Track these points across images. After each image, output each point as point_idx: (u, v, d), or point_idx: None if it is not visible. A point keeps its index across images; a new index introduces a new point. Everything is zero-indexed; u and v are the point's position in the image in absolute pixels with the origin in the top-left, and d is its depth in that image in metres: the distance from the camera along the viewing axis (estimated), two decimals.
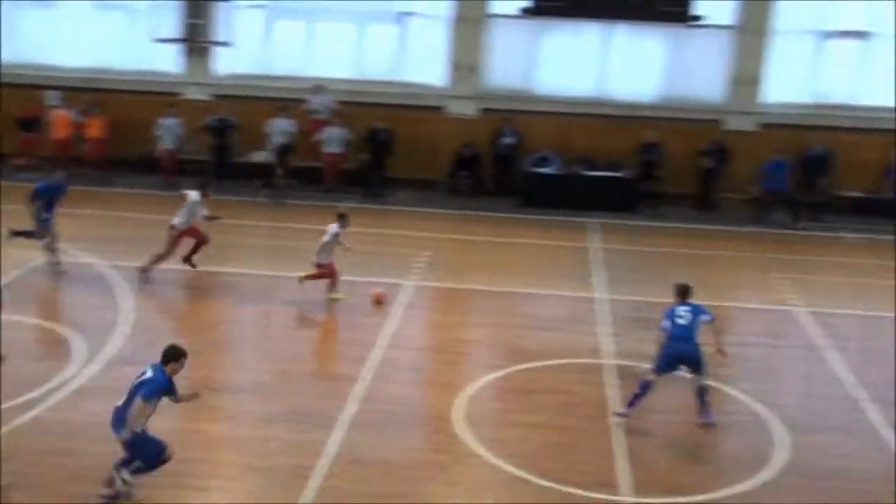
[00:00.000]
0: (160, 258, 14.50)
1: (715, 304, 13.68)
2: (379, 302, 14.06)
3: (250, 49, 21.98)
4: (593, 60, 21.58)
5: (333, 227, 14.07)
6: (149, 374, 8.47)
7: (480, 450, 9.95)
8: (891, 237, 19.15)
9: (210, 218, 14.60)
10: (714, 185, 20.86)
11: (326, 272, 14.13)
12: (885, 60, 20.77)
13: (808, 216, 20.04)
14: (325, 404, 10.84)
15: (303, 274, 14.16)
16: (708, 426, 10.52)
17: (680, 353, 10.42)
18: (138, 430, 8.29)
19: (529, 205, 20.21)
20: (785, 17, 20.85)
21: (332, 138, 20.72)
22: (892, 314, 14.59)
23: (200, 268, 14.89)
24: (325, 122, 21.01)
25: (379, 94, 21.56)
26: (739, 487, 9.51)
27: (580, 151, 21.09)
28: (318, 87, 21.34)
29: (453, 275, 15.23)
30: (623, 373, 12.09)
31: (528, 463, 9.75)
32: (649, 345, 12.97)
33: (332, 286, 14.21)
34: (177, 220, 14.47)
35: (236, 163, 21.20)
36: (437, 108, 21.71)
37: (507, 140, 21.07)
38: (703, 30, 20.83)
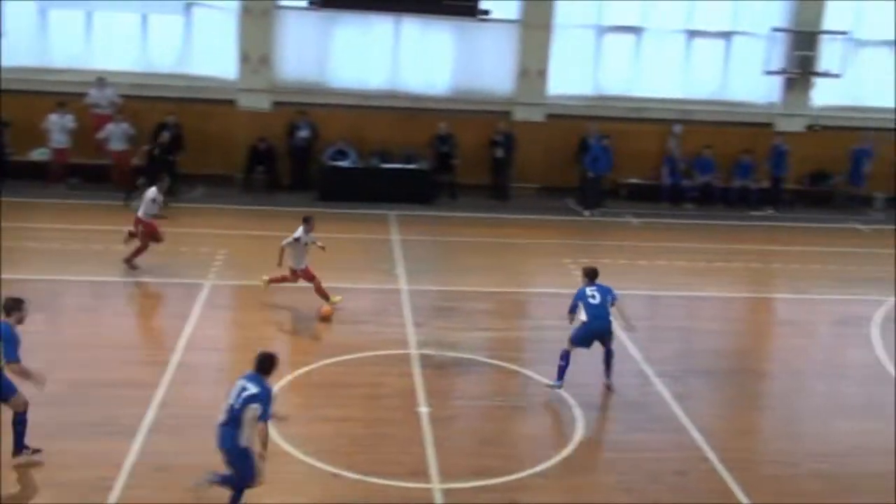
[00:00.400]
0: (139, 252, 15.09)
1: (512, 290, 14.24)
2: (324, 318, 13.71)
3: (23, 40, 20.57)
4: (385, 53, 21.69)
5: (298, 231, 13.73)
6: (252, 388, 8.17)
7: (289, 447, 9.83)
8: (670, 220, 20.51)
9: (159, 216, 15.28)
10: (505, 175, 21.51)
11: (299, 277, 13.84)
12: (656, 54, 22.13)
13: (594, 203, 21.05)
14: (123, 412, 10.37)
15: (266, 277, 14.05)
16: (610, 387, 11.69)
17: (596, 329, 11.52)
18: (247, 444, 8.17)
19: (327, 199, 20.07)
20: (566, 13, 21.73)
21: (116, 134, 19.75)
22: (673, 293, 15.64)
23: None
24: (108, 118, 20.00)
25: (166, 88, 20.74)
26: (541, 466, 9.88)
27: (376, 144, 21.18)
28: (100, 80, 20.28)
29: (252, 272, 14.92)
30: (427, 362, 12.28)
31: (339, 458, 9.73)
32: (450, 333, 13.33)
33: (322, 294, 13.85)
34: (140, 211, 15.14)
35: (13, 161, 19.86)
36: (228, 102, 21.15)
37: (303, 133, 20.83)
38: (491, 24, 21.38)
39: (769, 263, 17.50)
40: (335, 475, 9.45)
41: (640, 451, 10.41)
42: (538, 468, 9.85)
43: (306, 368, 11.89)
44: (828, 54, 22.00)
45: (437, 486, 9.41)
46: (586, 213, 20.76)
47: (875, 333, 14.22)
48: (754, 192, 21.96)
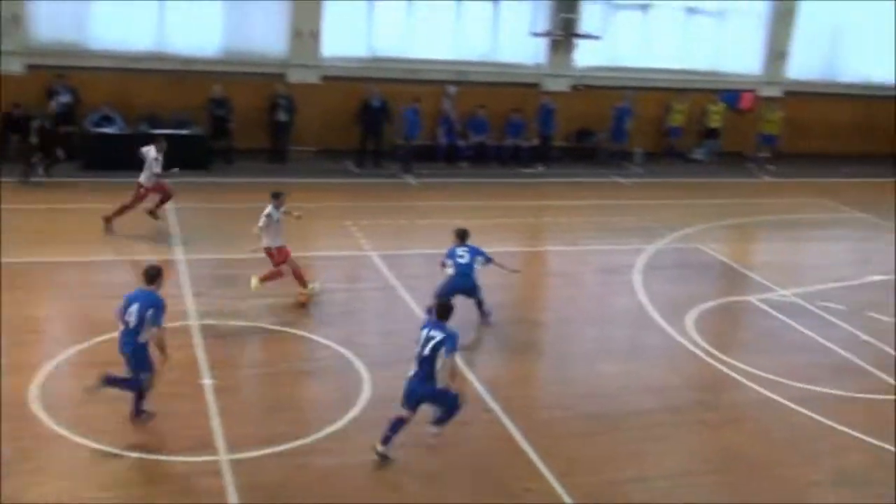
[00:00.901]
0: (125, 209, 15.57)
1: (295, 254, 14.08)
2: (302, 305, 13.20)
3: None
4: (150, 13, 20.70)
5: (268, 209, 13.14)
6: (439, 334, 9.22)
7: (63, 431, 9.38)
8: (447, 180, 21.00)
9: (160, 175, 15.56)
10: (285, 139, 21.23)
11: (279, 260, 13.19)
12: (429, 16, 22.39)
13: (373, 164, 21.18)
14: None
15: (257, 276, 13.20)
16: (487, 320, 12.82)
17: (459, 286, 12.44)
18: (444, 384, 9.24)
19: (93, 167, 19.05)
20: None
21: None
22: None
23: None
24: None
25: None
26: (330, 429, 9.95)
27: (144, 109, 20.28)
28: None
29: (13, 248, 13.99)
30: (209, 332, 12.02)
31: (119, 438, 9.39)
32: (233, 301, 13.09)
33: (302, 282, 13.27)
34: (143, 177, 15.60)
35: None
36: None
37: (63, 99, 19.60)
38: None
39: (541, 218, 18.30)
40: (116, 455, 9.11)
41: (426, 407, 10.67)
42: (327, 430, 9.92)
43: (78, 347, 11.34)
44: (588, 17, 23.10)
45: (224, 457, 9.28)
46: (407, 177, 20.95)
47: (637, 280, 15.24)
48: (525, 150, 22.84)
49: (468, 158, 22.42)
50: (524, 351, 12.70)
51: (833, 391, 11.77)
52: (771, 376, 11.92)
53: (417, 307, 13.25)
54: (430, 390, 9.36)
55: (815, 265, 17.21)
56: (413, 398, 9.44)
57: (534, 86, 23.35)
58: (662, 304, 14.23)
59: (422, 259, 15.30)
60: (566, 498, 9.06)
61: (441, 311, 9.60)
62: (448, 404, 9.51)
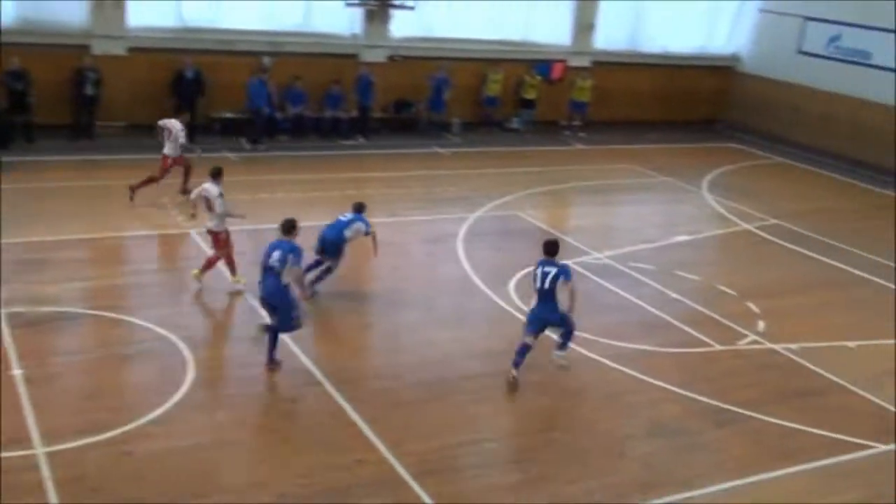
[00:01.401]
0: (151, 181, 16.18)
1: (107, 235, 13.50)
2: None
3: None
4: None
5: (213, 189, 12.66)
6: (552, 268, 10.72)
7: None
8: (267, 153, 20.62)
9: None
10: (91, 114, 20.20)
11: (223, 244, 12.80)
12: None
13: (189, 138, 20.49)
14: None
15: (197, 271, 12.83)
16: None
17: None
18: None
19: None
20: None
21: None
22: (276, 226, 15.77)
23: None
24: None
25: None
26: (153, 413, 9.65)
27: None
28: None
29: None
30: (17, 321, 11.37)
31: None
32: (43, 287, 12.43)
33: (233, 270, 12.94)
34: (167, 149, 16.22)
35: None
36: None
37: None
38: None
39: (363, 189, 18.25)
40: None
41: (253, 385, 10.56)
42: (151, 416, 9.62)
43: None
44: None
45: (40, 450, 8.84)
46: (248, 146, 20.79)
47: (461, 249, 15.52)
48: (344, 122, 22.71)
49: (287, 131, 22.06)
50: (352, 323, 12.71)
51: (646, 347, 12.43)
52: (588, 336, 12.42)
53: (242, 285, 12.97)
54: (555, 317, 10.89)
55: (626, 228, 18.04)
56: (538, 325, 10.91)
57: (351, 56, 23.20)
58: (486, 271, 14.56)
59: (243, 235, 14.96)
60: (399, 467, 9.17)
61: (550, 247, 11.03)
62: (569, 327, 11.01)
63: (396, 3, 23.05)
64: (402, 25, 23.53)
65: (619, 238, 17.08)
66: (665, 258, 16.11)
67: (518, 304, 13.34)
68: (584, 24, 25.97)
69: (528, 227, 17.08)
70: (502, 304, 13.44)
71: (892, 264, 16.68)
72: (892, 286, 15.67)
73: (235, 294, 12.81)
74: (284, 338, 11.13)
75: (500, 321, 12.95)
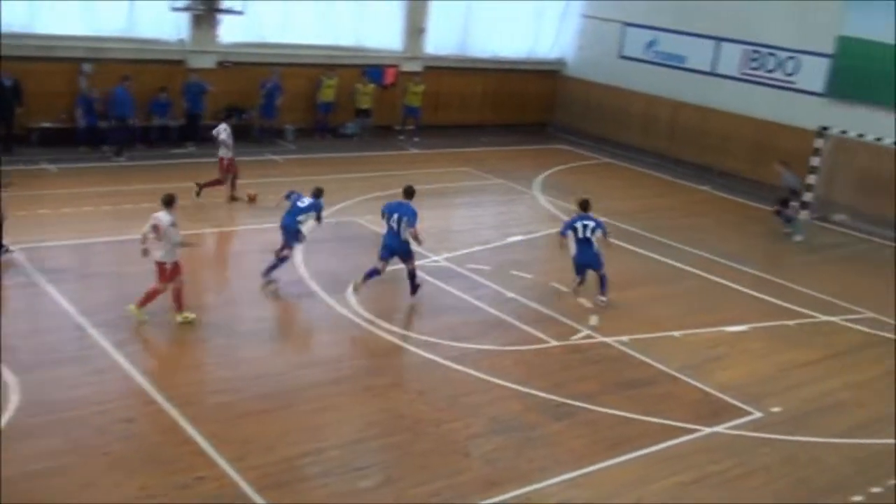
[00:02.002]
0: (217, 183, 17.96)
1: None
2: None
3: None
4: None
5: (165, 217, 11.91)
6: (591, 221, 14.30)
7: None
8: (91, 164, 19.81)
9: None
10: None
11: (170, 276, 12.12)
12: None
13: (4, 149, 19.46)
14: None
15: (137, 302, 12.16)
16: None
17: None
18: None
19: None
20: None
21: None
22: (103, 239, 15.22)
23: None
24: None
25: None
26: None
27: None
28: None
29: None
30: None
31: None
32: None
33: (180, 305, 12.29)
34: (223, 151, 17.84)
35: None
36: None
37: None
38: None
39: (196, 198, 17.82)
40: None
41: (85, 407, 10.13)
42: None
43: None
44: None
45: None
46: (45, 163, 19.57)
47: (298, 256, 15.35)
48: (174, 130, 22.10)
49: (111, 141, 21.23)
50: (188, 338, 12.38)
51: (485, 346, 12.71)
52: (429, 338, 12.61)
53: (66, 302, 12.43)
54: (595, 260, 14.33)
55: (463, 230, 18.36)
56: (584, 267, 14.47)
57: (179, 63, 22.61)
58: (324, 277, 14.51)
59: (66, 251, 14.38)
60: (241, 481, 9.02)
61: (583, 205, 14.49)
62: (603, 268, 14.39)
63: (224, 7, 22.63)
64: (231, 31, 23.12)
65: (455, 240, 17.38)
66: (501, 258, 16.50)
67: (358, 311, 13.37)
68: (415, 29, 26.25)
69: (366, 233, 17.12)
70: (342, 310, 13.42)
71: (712, 257, 17.68)
72: (713, 277, 16.61)
73: (57, 311, 12.22)
74: (117, 358, 10.76)
75: (340, 328, 12.94)
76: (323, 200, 14.30)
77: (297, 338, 12.56)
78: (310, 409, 10.63)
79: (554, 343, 13.05)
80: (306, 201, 13.99)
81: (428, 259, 15.89)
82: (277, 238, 14.34)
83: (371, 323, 13.07)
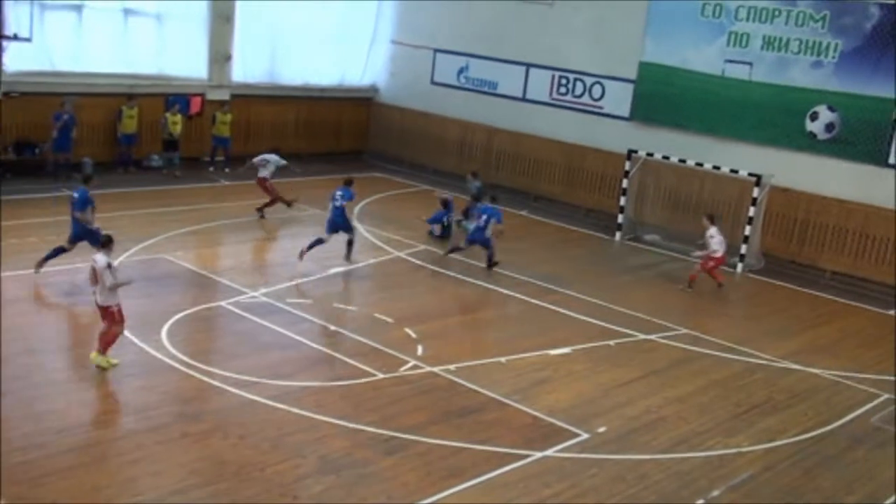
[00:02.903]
0: (272, 203, 21.30)
1: None
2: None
3: None
4: None
5: (101, 259, 11.93)
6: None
7: None
8: None
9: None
10: None
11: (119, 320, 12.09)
12: None
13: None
14: None
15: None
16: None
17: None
18: None
19: None
20: None
21: None
22: None
23: None
24: None
25: None
26: None
27: None
28: None
29: None
30: None
31: None
32: None
33: (107, 344, 12.09)
34: (266, 173, 21.31)
35: None
36: None
37: None
38: None
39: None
40: None
41: None
42: None
43: None
44: (15, 17, 21.56)
45: None
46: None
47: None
48: None
49: None
50: None
51: (308, 383, 12.58)
52: (250, 378, 12.36)
53: None
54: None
55: (280, 263, 18.16)
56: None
57: None
58: (134, 319, 13.90)
59: None
60: None
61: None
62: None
63: (9, 34, 21.49)
64: (17, 59, 21.98)
65: (273, 274, 17.16)
66: (322, 291, 16.42)
67: (173, 353, 12.95)
68: (221, 57, 25.84)
69: (177, 270, 16.64)
70: (155, 353, 12.96)
71: (532, 280, 18.24)
72: (534, 301, 17.12)
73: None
74: None
75: (153, 372, 12.47)
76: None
77: (105, 385, 11.99)
78: (123, 462, 10.17)
79: (381, 376, 13.07)
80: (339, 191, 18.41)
81: (245, 295, 15.59)
82: (79, 280, 13.68)
83: (186, 365, 12.67)
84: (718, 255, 18.73)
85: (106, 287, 12.09)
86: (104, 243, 12.36)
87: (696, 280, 18.96)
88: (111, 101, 23.53)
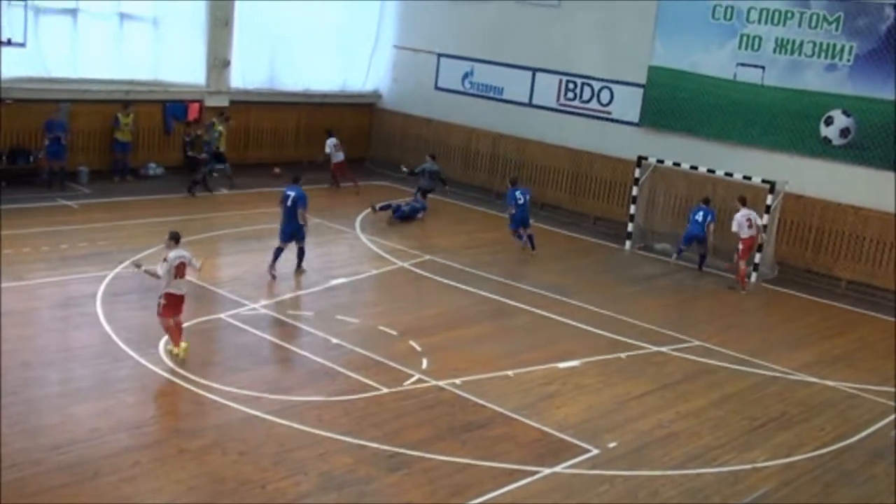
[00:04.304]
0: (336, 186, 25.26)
1: None
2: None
3: None
4: None
5: (186, 253, 13.13)
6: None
7: None
8: None
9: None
10: None
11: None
12: None
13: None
14: None
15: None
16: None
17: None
18: None
19: None
20: None
21: None
22: None
23: None
24: None
25: None
26: None
27: None
28: None
29: None
30: None
31: None
32: None
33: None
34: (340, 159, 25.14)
35: None
36: None
37: None
38: None
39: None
40: None
41: None
42: None
43: None
44: (8, 22, 21.59)
45: None
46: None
47: (100, 311, 14.74)
48: None
49: None
50: None
51: (310, 398, 12.54)
52: (250, 392, 12.33)
53: None
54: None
55: (281, 275, 18.10)
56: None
57: None
58: (131, 333, 13.96)
59: None
60: None
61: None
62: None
63: (2, 39, 21.54)
64: (12, 65, 22.02)
65: (274, 286, 17.14)
66: (324, 303, 16.40)
67: (171, 367, 12.92)
68: (219, 62, 25.88)
69: None
70: (152, 367, 12.94)
71: (540, 291, 18.21)
72: (542, 312, 17.09)
73: None
74: None
75: (150, 387, 12.46)
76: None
77: (102, 400, 11.96)
78: (119, 479, 10.13)
79: (385, 390, 13.03)
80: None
81: (245, 307, 15.58)
82: (73, 290, 13.70)
83: (186, 380, 12.65)
84: (744, 236, 19.28)
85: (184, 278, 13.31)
86: (177, 239, 13.42)
87: (746, 277, 20.04)
88: (107, 107, 23.56)
